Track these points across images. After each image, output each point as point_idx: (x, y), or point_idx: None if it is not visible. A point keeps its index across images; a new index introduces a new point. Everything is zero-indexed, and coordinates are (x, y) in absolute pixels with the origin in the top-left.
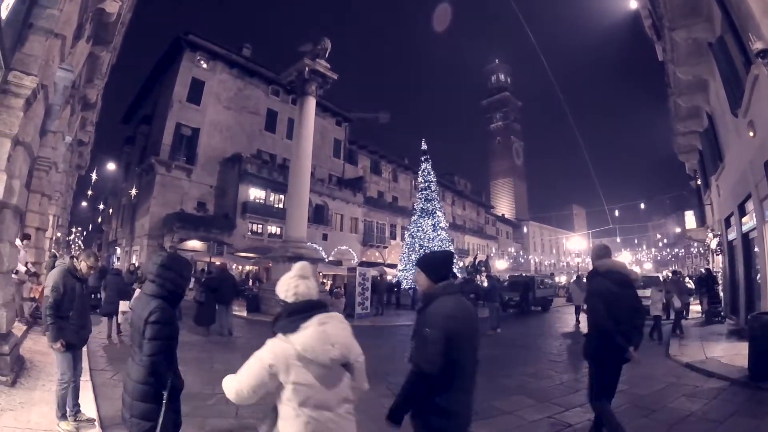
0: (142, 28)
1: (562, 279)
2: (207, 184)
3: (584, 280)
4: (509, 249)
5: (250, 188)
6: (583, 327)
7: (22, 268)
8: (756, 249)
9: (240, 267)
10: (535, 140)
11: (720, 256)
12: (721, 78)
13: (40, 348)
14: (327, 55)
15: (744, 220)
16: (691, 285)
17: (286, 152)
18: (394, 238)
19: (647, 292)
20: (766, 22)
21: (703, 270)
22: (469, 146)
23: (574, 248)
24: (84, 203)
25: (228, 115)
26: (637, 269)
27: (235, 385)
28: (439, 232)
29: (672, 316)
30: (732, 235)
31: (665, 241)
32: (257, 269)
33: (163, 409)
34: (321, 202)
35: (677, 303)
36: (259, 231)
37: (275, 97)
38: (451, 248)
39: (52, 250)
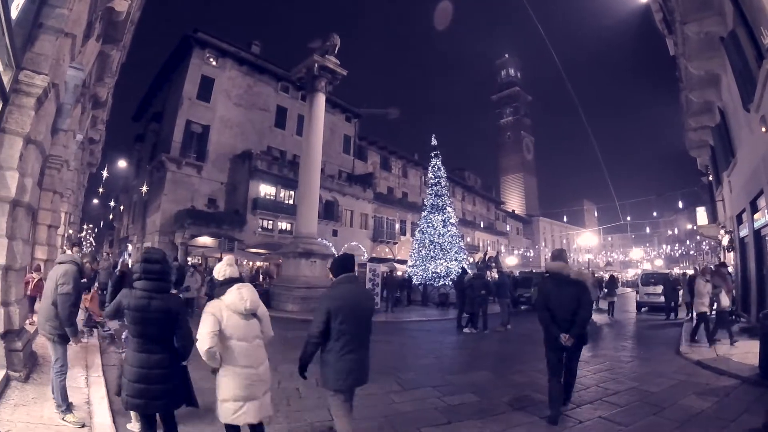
0: (152, 26)
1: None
2: (217, 180)
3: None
4: (520, 245)
5: (261, 184)
6: (597, 321)
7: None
8: None
9: (251, 263)
10: (545, 135)
11: (731, 253)
12: (733, 72)
13: None
14: (336, 51)
15: (756, 216)
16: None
17: (296, 148)
18: (404, 234)
19: (658, 289)
20: None
21: (712, 267)
22: (480, 141)
23: (585, 244)
24: (95, 200)
25: (238, 112)
26: (648, 266)
27: (199, 338)
28: (449, 228)
29: (711, 314)
30: (744, 231)
31: (676, 235)
32: (268, 265)
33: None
34: (331, 198)
35: (725, 301)
36: (270, 227)
37: (285, 93)
38: (461, 244)
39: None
